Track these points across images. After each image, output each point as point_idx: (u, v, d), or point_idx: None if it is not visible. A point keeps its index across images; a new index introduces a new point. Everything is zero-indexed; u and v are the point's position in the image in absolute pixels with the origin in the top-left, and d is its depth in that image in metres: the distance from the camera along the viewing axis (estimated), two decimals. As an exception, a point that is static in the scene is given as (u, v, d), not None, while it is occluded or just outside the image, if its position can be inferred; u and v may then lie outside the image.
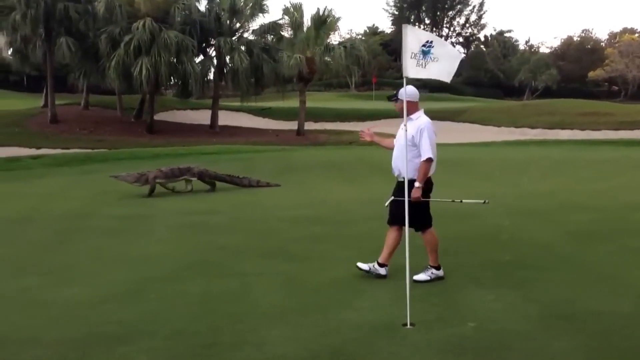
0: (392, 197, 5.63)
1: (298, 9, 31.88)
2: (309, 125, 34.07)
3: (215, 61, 33.64)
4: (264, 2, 32.88)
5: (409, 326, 4.60)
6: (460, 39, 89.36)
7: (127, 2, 29.96)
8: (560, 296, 5.20)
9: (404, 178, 5.52)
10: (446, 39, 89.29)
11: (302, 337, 4.49)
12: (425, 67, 4.89)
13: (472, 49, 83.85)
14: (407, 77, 5.03)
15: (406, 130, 5.37)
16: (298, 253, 6.98)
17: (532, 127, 34.16)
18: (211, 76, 34.58)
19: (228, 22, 33.01)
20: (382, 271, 5.82)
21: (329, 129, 35.76)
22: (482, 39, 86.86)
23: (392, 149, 5.99)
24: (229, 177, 11.95)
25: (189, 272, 6.28)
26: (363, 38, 65.96)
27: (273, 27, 33.44)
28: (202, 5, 33.30)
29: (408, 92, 5.57)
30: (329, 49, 32.09)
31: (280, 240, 7.65)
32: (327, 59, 33.04)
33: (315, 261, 6.61)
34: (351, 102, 51.17)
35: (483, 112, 39.90)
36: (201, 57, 33.51)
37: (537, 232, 7.69)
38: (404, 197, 5.27)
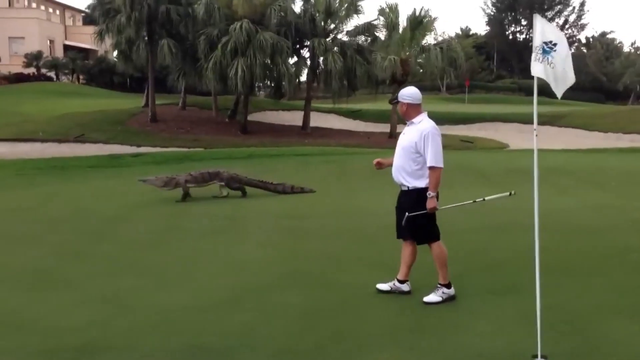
0: (407, 214, 5.14)
1: (394, 9, 31.22)
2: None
3: (308, 62, 33.67)
4: (359, 3, 32.51)
5: (539, 359, 4.03)
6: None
7: (225, 5, 30.47)
8: None
9: (407, 187, 5.13)
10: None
11: (418, 365, 4.03)
12: (541, 62, 4.26)
13: (573, 50, 79.81)
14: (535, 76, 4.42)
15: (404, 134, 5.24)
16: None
17: (644, 134, 31.75)
18: (304, 77, 34.65)
19: (322, 23, 32.88)
20: (405, 287, 5.44)
21: (421, 132, 34.77)
22: (583, 40, 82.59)
23: None
24: (261, 183, 11.39)
25: (288, 281, 5.95)
26: (456, 40, 64.41)
27: (367, 28, 32.98)
28: (298, 7, 33.43)
29: (409, 93, 5.20)
30: (424, 50, 31.26)
31: (382, 249, 7.18)
32: (420, 60, 32.21)
33: (420, 275, 6.07)
34: (442, 105, 49.84)
35: (586, 116, 37.62)
36: (295, 58, 33.61)
37: (674, 252, 6.80)
38: (416, 209, 5.07)
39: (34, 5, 59.69)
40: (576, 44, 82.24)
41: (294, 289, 5.67)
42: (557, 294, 5.27)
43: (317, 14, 32.51)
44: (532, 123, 4.72)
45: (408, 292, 5.42)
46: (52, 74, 54.37)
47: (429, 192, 5.05)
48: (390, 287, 5.47)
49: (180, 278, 6.13)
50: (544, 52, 4.23)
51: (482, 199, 5.45)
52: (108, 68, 52.95)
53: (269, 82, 33.73)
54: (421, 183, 5.10)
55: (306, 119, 33.95)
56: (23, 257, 7.03)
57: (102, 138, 28.59)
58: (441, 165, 5.06)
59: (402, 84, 34.08)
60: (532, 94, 4.26)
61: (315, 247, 7.33)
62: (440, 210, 5.19)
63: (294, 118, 36.35)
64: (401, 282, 5.46)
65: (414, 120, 5.18)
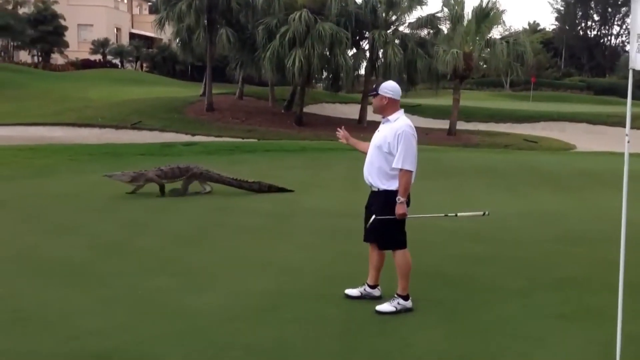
0: (374, 216, 4.80)
1: (459, 1, 30.17)
2: (460, 125, 32.39)
3: (367, 54, 32.97)
4: (423, -6, 31.60)
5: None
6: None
7: (286, -6, 30.21)
8: None
9: (377, 188, 4.73)
10: (617, 38, 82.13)
11: (471, 403, 3.46)
12: None
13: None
14: (633, 69, 3.80)
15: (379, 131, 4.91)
16: (457, 277, 5.90)
17: None
18: (362, 70, 33.99)
19: (384, 14, 32.15)
20: (376, 292, 5.16)
21: (482, 129, 33.73)
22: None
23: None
24: (235, 181, 10.67)
25: (331, 288, 5.45)
26: (524, 34, 62.26)
27: (431, 20, 32.03)
28: (359, -3, 32.72)
29: (391, 87, 4.79)
30: (489, 44, 30.09)
31: (435, 257, 6.61)
32: (483, 55, 31.04)
33: (477, 290, 5.50)
34: (506, 102, 48.29)
35: (663, 118, 35.47)
36: (354, 50, 32.97)
37: None
38: (384, 212, 4.73)
39: (103, -7, 61.29)
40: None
41: (336, 298, 5.17)
42: None
43: (379, 5, 31.80)
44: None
45: (379, 298, 5.09)
46: (117, 61, 55.70)
47: (398, 197, 4.71)
48: (360, 293, 5.17)
49: (216, 280, 5.73)
50: None
51: (454, 214, 5.26)
52: (170, 56, 53.79)
53: (326, 74, 33.24)
54: (392, 185, 4.74)
55: (363, 112, 33.31)
56: (59, 248, 6.81)
57: (158, 125, 28.84)
58: (412, 168, 4.72)
59: (464, 79, 33.02)
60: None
61: (362, 249, 6.78)
62: (409, 218, 4.83)
63: (351, 111, 35.81)
64: (372, 287, 5.15)
65: (390, 117, 4.86)
